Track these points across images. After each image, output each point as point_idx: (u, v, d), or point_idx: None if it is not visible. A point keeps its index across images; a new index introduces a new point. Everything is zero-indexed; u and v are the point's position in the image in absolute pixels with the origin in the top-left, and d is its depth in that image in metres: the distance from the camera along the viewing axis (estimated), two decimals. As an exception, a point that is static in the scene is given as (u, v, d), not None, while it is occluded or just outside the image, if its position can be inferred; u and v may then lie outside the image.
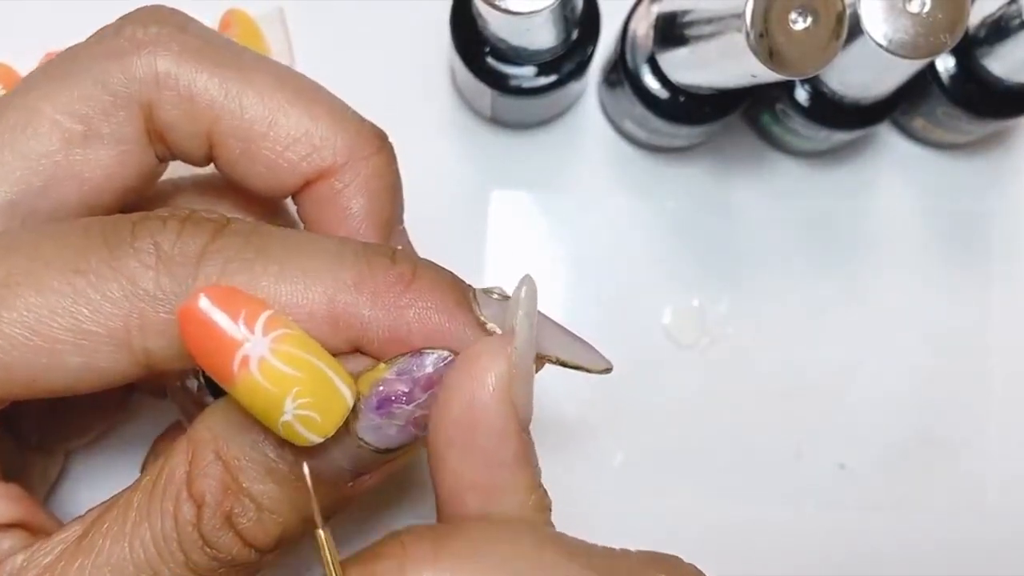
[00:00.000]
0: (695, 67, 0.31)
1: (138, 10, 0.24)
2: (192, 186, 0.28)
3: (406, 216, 0.26)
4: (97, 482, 0.34)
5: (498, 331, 0.21)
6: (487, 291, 0.22)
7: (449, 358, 0.20)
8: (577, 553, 0.20)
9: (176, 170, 0.27)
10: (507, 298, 0.22)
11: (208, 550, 0.20)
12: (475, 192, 0.37)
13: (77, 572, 0.20)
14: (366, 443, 0.20)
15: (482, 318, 0.21)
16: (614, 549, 0.21)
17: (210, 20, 0.34)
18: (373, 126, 0.25)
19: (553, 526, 0.22)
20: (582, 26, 0.32)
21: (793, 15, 0.26)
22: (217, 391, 0.28)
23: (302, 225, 0.26)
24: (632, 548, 0.22)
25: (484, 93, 0.34)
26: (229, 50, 0.24)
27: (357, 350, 0.21)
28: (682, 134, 0.35)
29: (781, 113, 0.35)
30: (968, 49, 0.33)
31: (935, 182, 0.39)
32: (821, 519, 0.37)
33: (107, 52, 0.23)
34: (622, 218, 0.38)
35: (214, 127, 0.23)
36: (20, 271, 0.20)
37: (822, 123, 0.34)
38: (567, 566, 0.19)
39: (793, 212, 0.38)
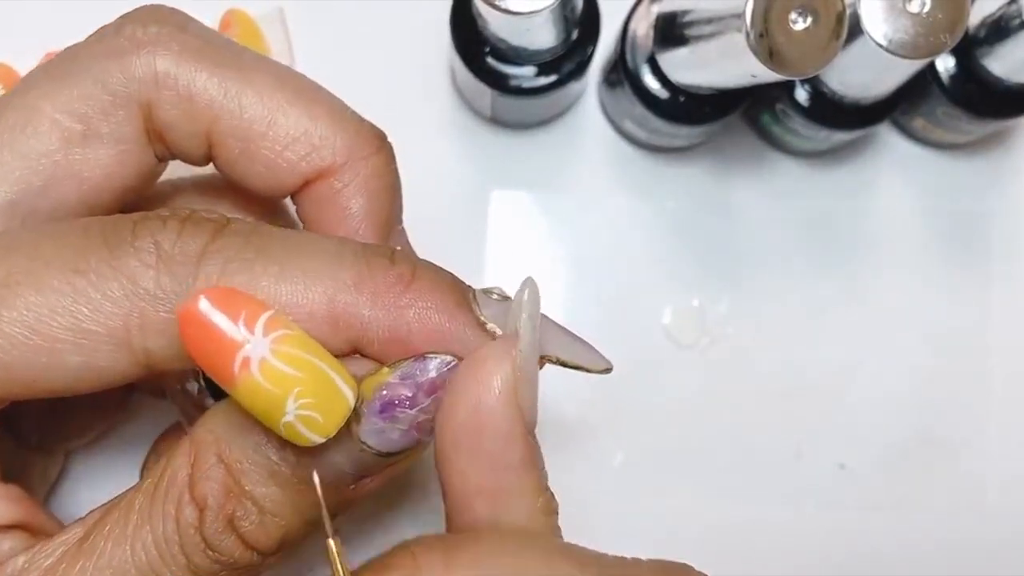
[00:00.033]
0: (695, 67, 0.31)
1: (138, 9, 0.24)
2: (191, 187, 0.28)
3: (406, 216, 0.26)
4: (97, 482, 0.34)
5: (498, 331, 0.21)
6: (487, 291, 0.22)
7: (452, 363, 0.20)
8: (588, 563, 0.20)
9: (176, 171, 0.27)
10: (507, 298, 0.22)
11: (210, 553, 0.20)
12: (475, 192, 0.37)
13: (79, 574, 0.20)
14: (369, 447, 0.20)
15: (482, 318, 0.21)
16: (625, 558, 0.21)
17: (210, 20, 0.34)
18: (372, 126, 0.25)
19: (560, 530, 0.22)
20: (582, 26, 0.32)
21: (793, 15, 0.26)
22: (218, 393, 0.28)
23: (301, 225, 0.26)
24: (632, 548, 0.22)
25: (484, 93, 0.34)
26: (229, 50, 0.24)
27: (357, 351, 0.21)
28: (682, 134, 0.35)
29: (781, 113, 0.35)
30: (968, 49, 0.33)
31: (935, 182, 0.39)
32: (821, 519, 0.37)
33: (107, 51, 0.23)
34: (622, 218, 0.38)
35: (213, 127, 0.23)
36: (20, 271, 0.20)
37: (822, 123, 0.34)
38: None
39: (793, 212, 0.38)
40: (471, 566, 0.19)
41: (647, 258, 0.38)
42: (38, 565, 0.20)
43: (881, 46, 0.28)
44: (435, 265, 0.22)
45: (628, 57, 0.33)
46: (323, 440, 0.19)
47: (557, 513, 0.22)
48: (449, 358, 0.20)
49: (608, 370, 0.23)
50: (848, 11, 0.26)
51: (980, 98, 0.34)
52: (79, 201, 0.23)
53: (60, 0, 0.35)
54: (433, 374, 0.20)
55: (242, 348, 0.18)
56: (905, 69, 0.30)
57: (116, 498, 0.21)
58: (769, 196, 0.38)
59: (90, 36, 0.24)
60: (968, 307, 0.38)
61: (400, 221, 0.26)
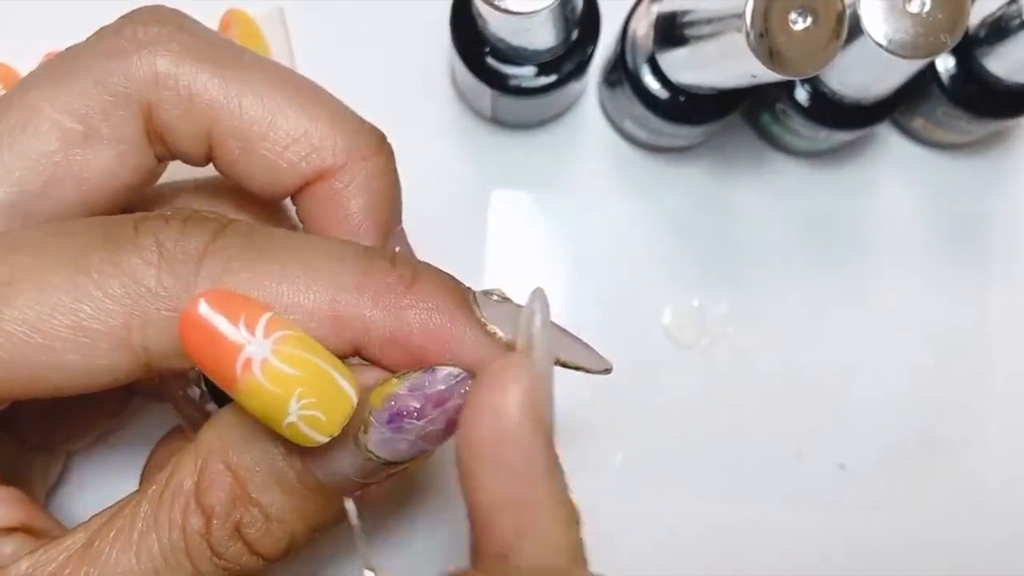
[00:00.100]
0: (695, 67, 0.31)
1: (138, 10, 0.24)
2: (192, 188, 0.28)
3: (406, 216, 0.26)
4: (98, 485, 0.34)
5: (499, 332, 0.21)
6: (487, 293, 0.22)
7: (461, 375, 0.20)
8: None
9: (176, 172, 0.27)
10: (507, 300, 0.22)
11: (217, 560, 0.20)
12: (475, 192, 0.37)
13: None
14: (376, 456, 0.20)
15: (483, 319, 0.21)
16: None
17: (210, 20, 0.34)
18: (372, 127, 0.25)
19: (584, 543, 0.21)
20: (582, 26, 0.32)
21: (793, 15, 0.26)
22: (220, 398, 0.28)
23: (301, 226, 0.26)
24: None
25: (484, 93, 0.34)
26: (229, 50, 0.24)
27: (358, 352, 0.21)
28: (682, 134, 0.35)
29: (781, 113, 0.35)
30: (968, 49, 0.33)
31: (935, 182, 0.39)
32: (821, 519, 0.37)
33: (107, 52, 0.23)
34: (622, 218, 0.38)
35: (213, 127, 0.23)
36: (22, 269, 0.20)
37: (822, 123, 0.34)
38: None
39: (793, 212, 0.38)
40: None
41: (647, 258, 0.38)
42: (42, 570, 0.20)
43: (881, 46, 0.28)
44: (435, 267, 0.22)
45: (628, 57, 0.33)
46: (327, 439, 0.19)
47: (580, 523, 0.21)
48: (457, 371, 0.20)
49: (608, 370, 0.23)
50: (848, 11, 0.26)
51: (980, 98, 0.34)
52: (79, 202, 0.23)
53: (60, 0, 0.35)
54: (442, 386, 0.20)
55: (243, 350, 0.18)
56: (905, 69, 0.30)
57: (119, 503, 0.21)
58: (769, 196, 0.38)
59: (90, 36, 0.24)
60: (968, 307, 0.38)
61: (400, 221, 0.26)
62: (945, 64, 0.34)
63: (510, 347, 0.21)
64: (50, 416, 0.29)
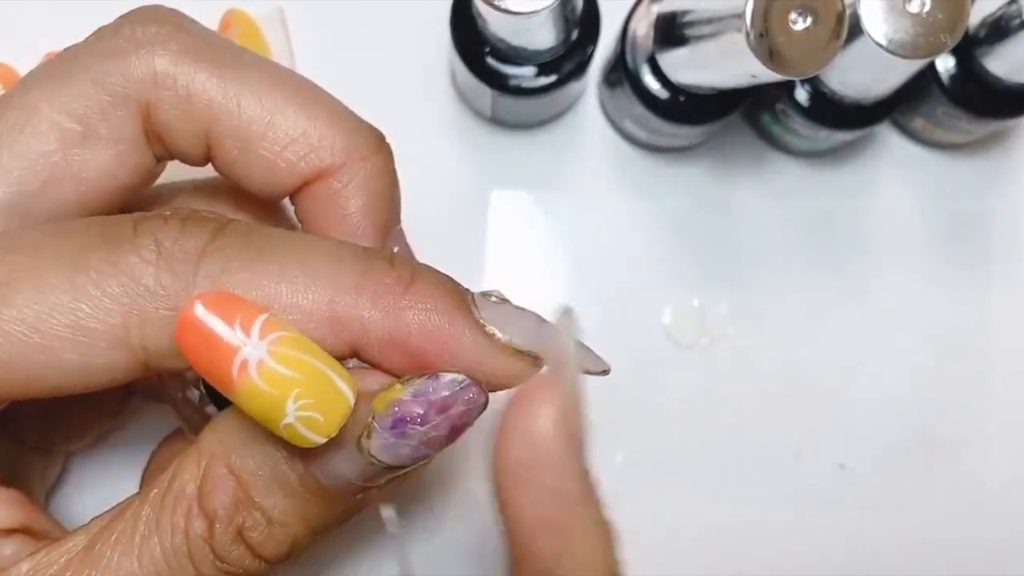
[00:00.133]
0: (695, 67, 0.31)
1: (137, 9, 0.24)
2: (191, 189, 0.28)
3: (406, 216, 0.26)
4: (98, 486, 0.34)
5: (498, 333, 0.21)
6: (485, 294, 0.22)
7: (465, 382, 0.20)
8: None
9: (175, 173, 0.27)
10: (505, 301, 0.22)
11: (219, 564, 0.20)
12: (475, 192, 0.37)
13: None
14: (378, 461, 0.20)
15: (481, 320, 0.21)
16: None
17: (210, 20, 0.34)
18: (371, 127, 0.25)
19: (621, 563, 0.21)
20: (582, 26, 0.32)
21: (793, 15, 0.26)
22: (219, 400, 0.28)
23: (300, 226, 0.26)
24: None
25: (484, 93, 0.34)
26: (228, 50, 0.24)
27: (356, 353, 0.21)
28: (682, 134, 0.35)
29: (781, 113, 0.35)
30: (968, 49, 0.33)
31: (935, 182, 0.39)
32: (821, 519, 0.37)
33: (106, 52, 0.23)
34: (622, 218, 0.38)
35: (212, 127, 0.23)
36: (20, 269, 0.20)
37: (822, 123, 0.34)
38: None
39: (793, 212, 0.38)
40: None
41: (647, 258, 0.38)
42: (43, 573, 0.20)
43: (881, 46, 0.28)
44: (434, 269, 0.22)
45: (628, 57, 0.33)
46: (325, 440, 0.19)
47: (617, 543, 0.21)
48: (461, 377, 0.20)
49: (606, 372, 0.23)
50: (848, 11, 0.26)
51: (980, 98, 0.34)
52: (78, 202, 0.23)
53: (60, 0, 0.35)
54: (445, 392, 0.20)
55: (239, 352, 0.18)
56: (905, 69, 0.30)
57: (119, 506, 0.21)
58: (769, 196, 0.38)
59: (89, 36, 0.24)
60: (968, 307, 0.38)
61: (399, 222, 0.26)
62: (945, 64, 0.34)
63: (508, 348, 0.21)
64: (49, 416, 0.29)
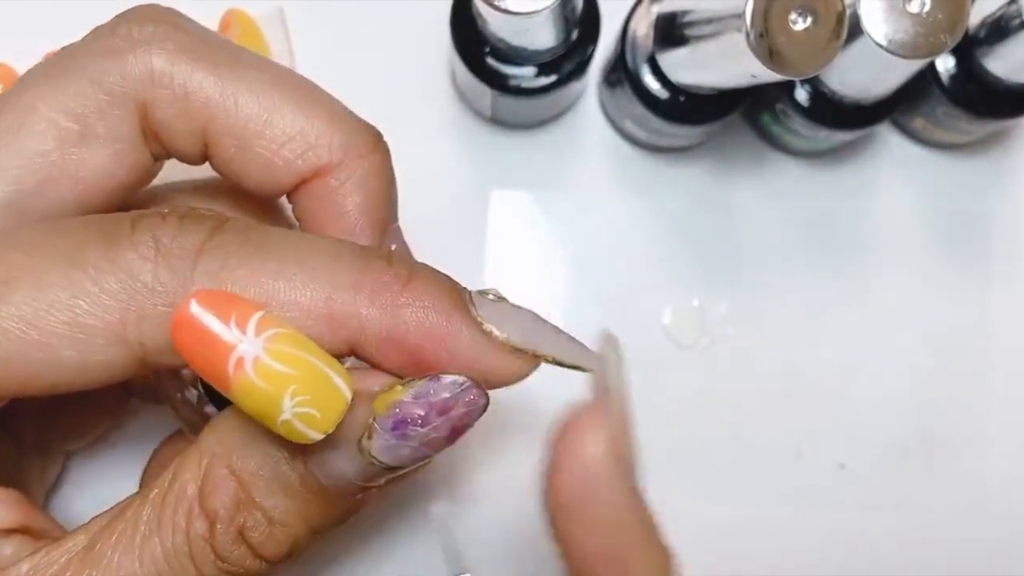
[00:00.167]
0: (695, 67, 0.31)
1: (133, 8, 0.24)
2: (190, 189, 0.28)
3: (406, 216, 0.26)
4: (97, 486, 0.34)
5: (495, 331, 0.21)
6: (482, 292, 0.22)
7: (466, 384, 0.20)
8: None
9: (173, 173, 0.27)
10: (503, 299, 0.22)
11: (220, 564, 0.20)
12: (475, 192, 0.37)
13: None
14: (378, 461, 0.20)
15: (479, 318, 0.21)
16: None
17: (210, 20, 0.34)
18: (368, 125, 0.25)
19: None
20: (582, 26, 0.32)
21: (793, 15, 0.26)
22: (218, 400, 0.28)
23: (298, 225, 0.26)
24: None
25: (484, 93, 0.34)
26: (224, 49, 0.24)
27: (354, 351, 0.21)
28: (682, 134, 0.35)
29: (781, 113, 0.35)
30: (968, 49, 0.33)
31: (935, 182, 0.39)
32: (821, 519, 0.37)
33: (103, 51, 0.23)
34: (622, 218, 0.38)
35: (209, 125, 0.23)
36: (18, 267, 0.20)
37: (822, 123, 0.34)
38: None
39: (793, 212, 0.38)
40: None
41: (647, 258, 0.38)
42: (43, 573, 0.20)
43: (881, 46, 0.28)
44: (431, 267, 0.22)
45: (628, 57, 0.33)
46: (322, 436, 0.19)
47: (677, 566, 0.21)
48: (462, 379, 0.20)
49: (599, 364, 0.23)
50: (848, 11, 0.26)
51: (980, 98, 0.34)
52: (75, 201, 0.23)
53: (60, 0, 0.35)
54: (446, 394, 0.20)
55: (235, 349, 0.18)
56: (905, 69, 0.30)
57: (119, 506, 0.21)
58: (769, 196, 0.38)
59: (86, 36, 0.24)
60: (968, 307, 0.38)
61: (396, 219, 0.26)
62: (945, 64, 0.34)
63: (505, 346, 0.21)
64: (47, 416, 0.29)
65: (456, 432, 0.21)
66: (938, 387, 0.38)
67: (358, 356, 0.21)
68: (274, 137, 0.23)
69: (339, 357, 0.20)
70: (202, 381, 0.28)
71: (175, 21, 0.24)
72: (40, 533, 0.22)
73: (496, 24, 0.30)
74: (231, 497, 0.20)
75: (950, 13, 0.27)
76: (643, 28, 0.33)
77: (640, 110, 0.34)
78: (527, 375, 0.22)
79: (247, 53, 0.24)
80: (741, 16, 0.26)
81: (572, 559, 0.20)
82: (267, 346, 0.18)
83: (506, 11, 0.27)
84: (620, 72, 0.34)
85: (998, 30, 0.32)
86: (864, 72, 0.31)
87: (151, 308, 0.20)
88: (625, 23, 0.34)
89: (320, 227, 0.24)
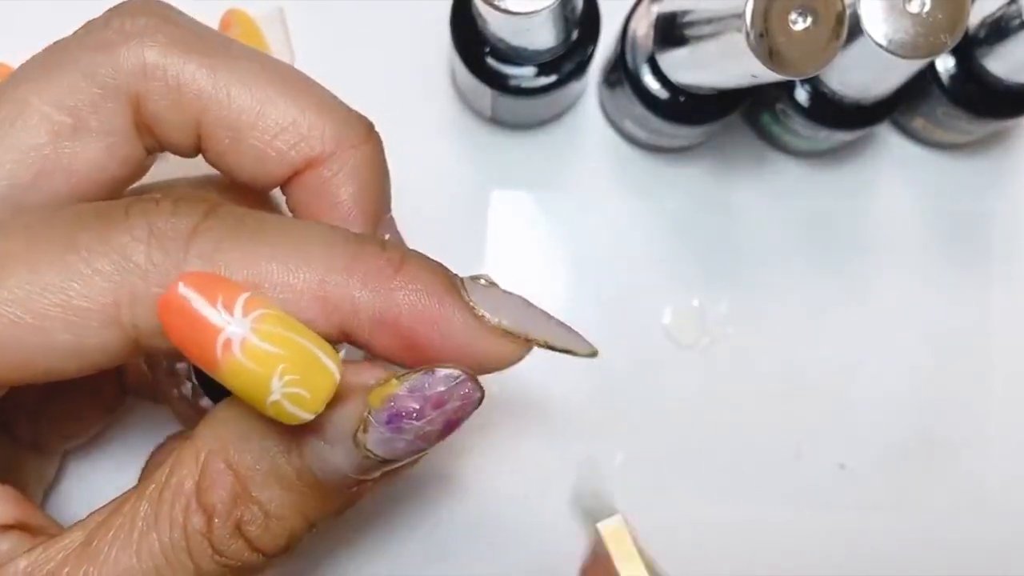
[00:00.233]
0: (695, 67, 0.31)
1: (126, 2, 0.24)
2: (184, 186, 0.28)
3: (406, 215, 0.26)
4: (96, 486, 0.34)
5: (487, 315, 0.21)
6: (474, 278, 0.22)
7: (461, 377, 0.20)
8: None
9: (170, 172, 0.27)
10: (494, 285, 0.22)
11: (218, 558, 0.20)
12: (475, 192, 0.37)
13: None
14: (373, 454, 0.20)
15: (471, 303, 0.21)
16: None
17: (210, 20, 0.34)
18: (361, 116, 0.25)
19: None
20: (582, 26, 0.32)
21: (793, 15, 0.26)
22: (213, 392, 0.28)
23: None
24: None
25: (484, 93, 0.34)
26: (217, 41, 0.24)
27: (347, 336, 0.21)
28: (682, 134, 0.35)
29: (781, 113, 0.35)
30: (968, 49, 0.33)
31: (935, 182, 0.39)
32: (821, 519, 0.37)
33: (95, 44, 0.23)
34: (622, 218, 0.38)
35: (202, 117, 0.23)
36: (12, 253, 0.20)
37: (822, 123, 0.34)
38: None
39: (793, 212, 0.38)
40: None
41: (647, 258, 0.38)
42: (40, 569, 0.20)
43: (881, 46, 0.28)
44: (423, 254, 0.22)
45: (628, 57, 0.33)
46: (312, 416, 0.19)
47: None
48: (457, 372, 0.20)
49: (594, 354, 0.23)
50: (848, 11, 0.26)
51: (980, 98, 0.34)
52: (69, 194, 0.23)
53: (59, 0, 0.35)
54: (441, 388, 0.20)
55: (223, 331, 0.18)
56: (905, 69, 0.30)
57: (115, 501, 0.21)
58: (769, 196, 0.38)
59: (78, 29, 0.24)
60: (968, 307, 0.38)
61: (389, 210, 0.26)
62: (945, 64, 0.34)
63: (497, 330, 0.21)
64: (42, 414, 0.29)
65: (451, 425, 0.21)
66: (938, 387, 0.38)
67: (351, 342, 0.21)
68: (267, 128, 0.23)
69: (333, 343, 0.21)
70: (196, 373, 0.28)
71: (166, 14, 0.24)
72: (37, 530, 0.22)
73: (496, 24, 0.30)
74: (228, 491, 0.20)
75: (950, 13, 0.27)
76: (643, 28, 0.33)
77: (640, 110, 0.34)
78: (519, 359, 0.22)
79: (238, 45, 0.24)
80: (741, 16, 0.26)
81: None
82: (255, 327, 0.18)
83: (506, 11, 0.27)
84: (620, 72, 0.34)
85: (998, 30, 0.32)
86: (864, 72, 0.31)
87: (144, 289, 0.20)
88: (625, 23, 0.34)
89: (314, 218, 0.24)
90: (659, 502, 0.37)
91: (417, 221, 0.27)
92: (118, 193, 0.25)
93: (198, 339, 0.18)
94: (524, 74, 0.33)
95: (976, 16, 0.32)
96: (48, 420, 0.30)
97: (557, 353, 0.22)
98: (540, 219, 0.38)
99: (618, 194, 0.38)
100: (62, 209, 0.21)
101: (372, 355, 0.22)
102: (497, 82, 0.33)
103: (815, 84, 0.33)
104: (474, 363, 0.21)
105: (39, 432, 0.30)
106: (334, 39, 0.37)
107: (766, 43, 0.26)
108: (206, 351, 0.18)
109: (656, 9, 0.32)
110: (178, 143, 0.24)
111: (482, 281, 0.22)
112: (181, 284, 0.18)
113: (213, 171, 0.25)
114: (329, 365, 0.19)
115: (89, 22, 0.24)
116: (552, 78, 0.33)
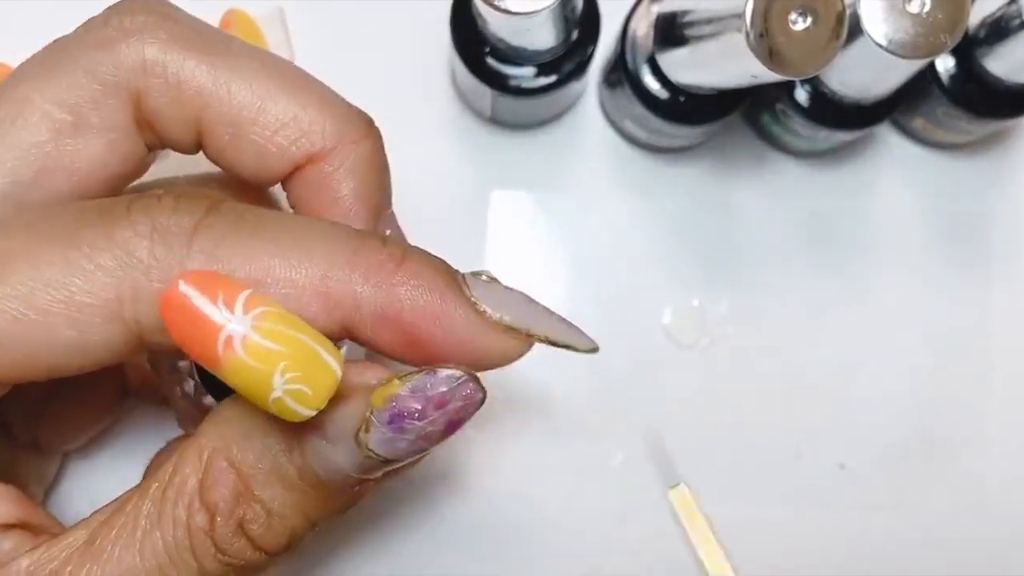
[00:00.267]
0: (695, 67, 0.31)
1: (125, 0, 0.24)
2: (184, 184, 0.28)
3: (406, 215, 0.26)
4: (96, 487, 0.34)
5: (488, 311, 0.21)
6: (475, 274, 0.22)
7: (463, 378, 0.20)
8: None
9: (170, 171, 0.27)
10: (495, 280, 0.22)
11: (221, 556, 0.20)
12: (475, 192, 0.37)
13: None
14: (375, 454, 0.20)
15: (472, 298, 0.21)
16: None
17: (210, 20, 0.34)
18: (361, 111, 0.25)
19: None
20: (582, 26, 0.32)
21: (793, 15, 0.26)
22: (215, 390, 0.28)
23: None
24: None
25: (484, 93, 0.34)
26: (216, 37, 0.24)
27: (349, 332, 0.21)
28: (682, 134, 0.35)
29: (781, 113, 0.35)
30: (968, 49, 0.33)
31: (935, 182, 0.39)
32: (821, 519, 0.37)
33: (95, 41, 0.23)
34: (622, 218, 0.38)
35: (203, 114, 0.23)
36: (15, 250, 0.20)
37: (822, 123, 0.34)
38: None
39: (793, 212, 0.38)
40: None
41: (647, 258, 0.38)
42: (43, 568, 0.20)
43: (881, 46, 0.28)
44: (424, 250, 0.22)
45: (628, 57, 0.33)
46: (314, 413, 0.19)
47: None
48: (458, 373, 0.20)
49: (595, 349, 0.23)
50: (848, 11, 0.26)
51: (980, 98, 0.34)
52: (70, 192, 0.23)
53: (59, 0, 0.35)
54: (443, 388, 0.20)
55: (224, 328, 0.18)
56: (905, 69, 0.30)
57: (118, 500, 0.21)
58: (769, 196, 0.38)
59: (78, 27, 0.24)
60: (968, 307, 0.38)
61: (390, 205, 0.26)
62: (945, 64, 0.34)
63: (499, 325, 0.21)
64: (43, 413, 0.29)
65: (453, 426, 0.21)
66: (938, 387, 0.38)
67: (353, 337, 0.21)
68: (268, 124, 0.23)
69: (335, 339, 0.21)
70: (198, 371, 0.28)
71: (166, 11, 0.24)
72: (39, 529, 0.22)
73: (496, 24, 0.30)
74: (231, 490, 0.20)
75: (950, 13, 0.27)
76: (643, 28, 0.33)
77: (640, 110, 0.34)
78: (521, 355, 0.22)
79: (238, 42, 0.24)
80: (741, 16, 0.26)
81: None
82: (255, 324, 0.18)
83: (506, 11, 0.27)
84: (620, 72, 0.34)
85: (998, 30, 0.32)
86: (864, 72, 0.31)
87: (147, 285, 0.20)
88: (625, 23, 0.34)
89: (315, 213, 0.24)
90: (659, 502, 0.37)
91: (417, 221, 0.27)
92: (119, 190, 0.25)
93: (199, 337, 0.18)
94: (524, 74, 0.33)
95: (976, 16, 0.32)
96: (48, 421, 0.30)
97: (558, 350, 0.23)
98: (540, 219, 0.38)
99: (618, 194, 0.38)
100: (64, 206, 0.21)
101: (374, 351, 0.22)
102: (497, 82, 0.33)
103: (815, 84, 0.33)
104: (476, 358, 0.21)
105: (39, 432, 0.30)
106: (334, 39, 0.37)
107: (766, 43, 0.26)
108: (207, 348, 0.18)
109: (656, 9, 0.32)
110: (179, 139, 0.24)
111: (484, 277, 0.22)
112: (181, 282, 0.18)
113: (214, 169, 0.25)
114: (330, 361, 0.19)
115: (89, 20, 0.24)
116: (552, 78, 0.33)
